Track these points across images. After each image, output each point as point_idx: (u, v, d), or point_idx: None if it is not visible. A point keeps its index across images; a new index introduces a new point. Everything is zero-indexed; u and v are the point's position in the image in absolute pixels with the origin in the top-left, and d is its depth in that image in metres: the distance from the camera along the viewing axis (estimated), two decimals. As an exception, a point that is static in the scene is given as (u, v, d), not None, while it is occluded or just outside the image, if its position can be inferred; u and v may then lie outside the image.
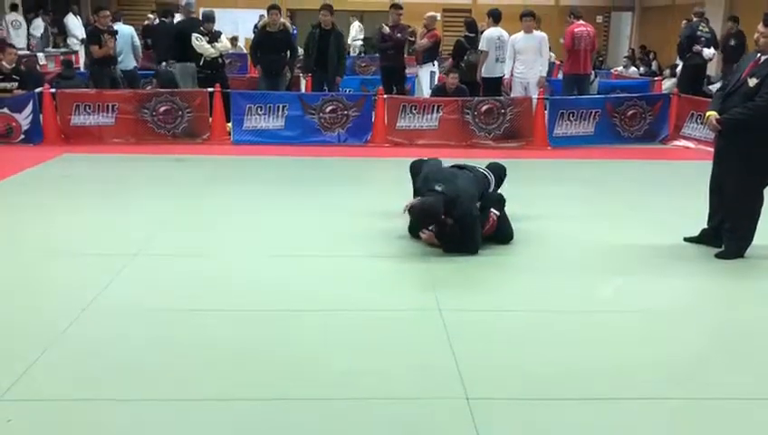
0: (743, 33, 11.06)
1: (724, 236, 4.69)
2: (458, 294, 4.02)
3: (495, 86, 9.29)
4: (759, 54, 4.49)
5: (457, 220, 4.54)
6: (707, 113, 4.64)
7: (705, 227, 4.87)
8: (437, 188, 4.56)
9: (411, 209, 4.66)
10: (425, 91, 9.96)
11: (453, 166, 5.12)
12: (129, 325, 3.51)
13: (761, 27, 4.42)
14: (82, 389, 2.90)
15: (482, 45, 9.45)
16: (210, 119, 8.80)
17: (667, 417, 2.79)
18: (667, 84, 11.75)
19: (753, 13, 10.70)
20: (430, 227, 4.64)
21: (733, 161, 4.54)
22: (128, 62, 10.05)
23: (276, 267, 4.37)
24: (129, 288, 3.99)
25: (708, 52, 10.26)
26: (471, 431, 2.64)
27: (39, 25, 13.94)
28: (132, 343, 3.32)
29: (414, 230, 4.83)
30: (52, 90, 8.59)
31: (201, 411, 2.75)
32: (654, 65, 15.23)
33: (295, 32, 12.49)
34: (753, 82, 4.38)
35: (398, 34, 9.86)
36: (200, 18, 9.85)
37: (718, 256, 4.64)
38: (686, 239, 4.93)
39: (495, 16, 9.54)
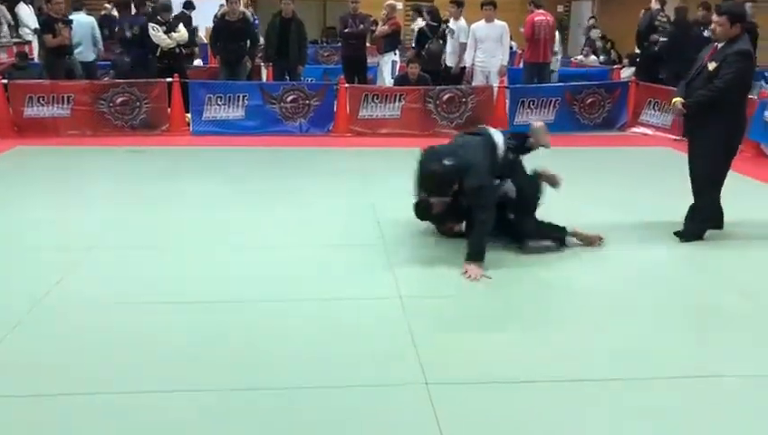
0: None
1: (688, 216, 4.81)
2: (419, 281, 4.03)
3: None
4: (716, 43, 4.67)
5: (469, 191, 4.22)
6: (673, 100, 4.78)
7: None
8: (446, 162, 4.22)
9: (423, 179, 4.37)
10: (387, 80, 9.94)
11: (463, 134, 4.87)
12: (84, 319, 3.44)
13: (715, 17, 4.62)
14: (32, 385, 2.83)
15: (463, 36, 9.49)
16: (169, 109, 8.66)
17: (627, 396, 2.84)
18: (626, 73, 11.90)
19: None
20: (446, 199, 4.33)
21: (700, 145, 4.70)
22: (87, 53, 9.74)
23: (235, 258, 4.33)
24: (84, 282, 3.91)
25: (665, 41, 10.40)
26: (430, 416, 2.65)
27: None
28: (87, 336, 3.26)
29: (420, 211, 4.61)
30: (4, 81, 8.36)
31: (156, 403, 2.71)
32: (613, 54, 15.38)
33: (257, 21, 12.33)
34: (712, 65, 4.56)
35: (361, 25, 9.82)
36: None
37: (678, 234, 4.75)
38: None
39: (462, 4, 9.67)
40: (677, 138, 8.09)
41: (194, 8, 11.72)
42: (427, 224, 4.80)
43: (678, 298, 3.92)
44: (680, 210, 4.82)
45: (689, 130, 4.90)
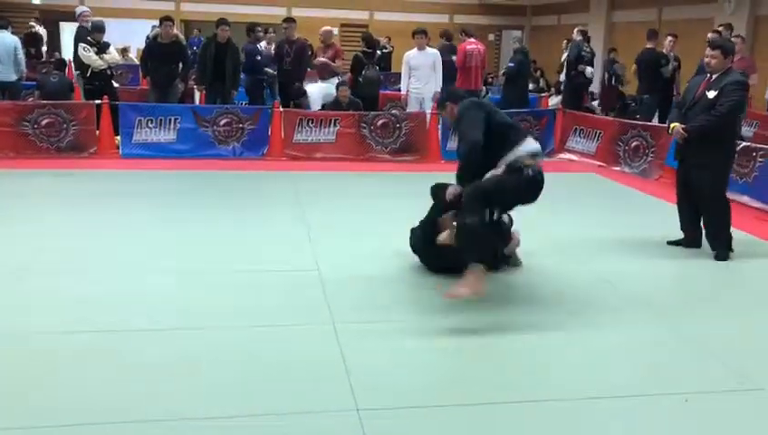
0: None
1: (713, 240, 5.18)
2: (353, 307, 4.01)
3: None
4: (709, 74, 5.11)
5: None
6: (671, 125, 5.17)
7: (682, 235, 5.36)
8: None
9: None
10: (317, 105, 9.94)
11: None
12: (8, 350, 3.30)
13: (709, 51, 5.07)
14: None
15: None
16: (97, 132, 8.45)
17: (556, 418, 2.91)
18: (554, 101, 12.32)
19: (630, 35, 11.43)
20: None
21: (703, 165, 5.05)
22: (8, 74, 9.42)
23: (162, 284, 4.23)
24: (10, 309, 3.75)
25: (590, 70, 10.85)
26: (361, 444, 2.65)
27: None
28: (14, 368, 3.13)
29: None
30: None
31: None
32: (542, 82, 15.89)
33: (201, 40, 12.14)
34: (712, 94, 4.98)
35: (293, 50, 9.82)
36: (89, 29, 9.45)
37: (717, 258, 5.10)
38: (669, 243, 5.39)
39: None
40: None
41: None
42: (363, 254, 4.85)
43: (636, 313, 4.05)
44: (609, 228, 4.99)
45: (686, 157, 5.20)
